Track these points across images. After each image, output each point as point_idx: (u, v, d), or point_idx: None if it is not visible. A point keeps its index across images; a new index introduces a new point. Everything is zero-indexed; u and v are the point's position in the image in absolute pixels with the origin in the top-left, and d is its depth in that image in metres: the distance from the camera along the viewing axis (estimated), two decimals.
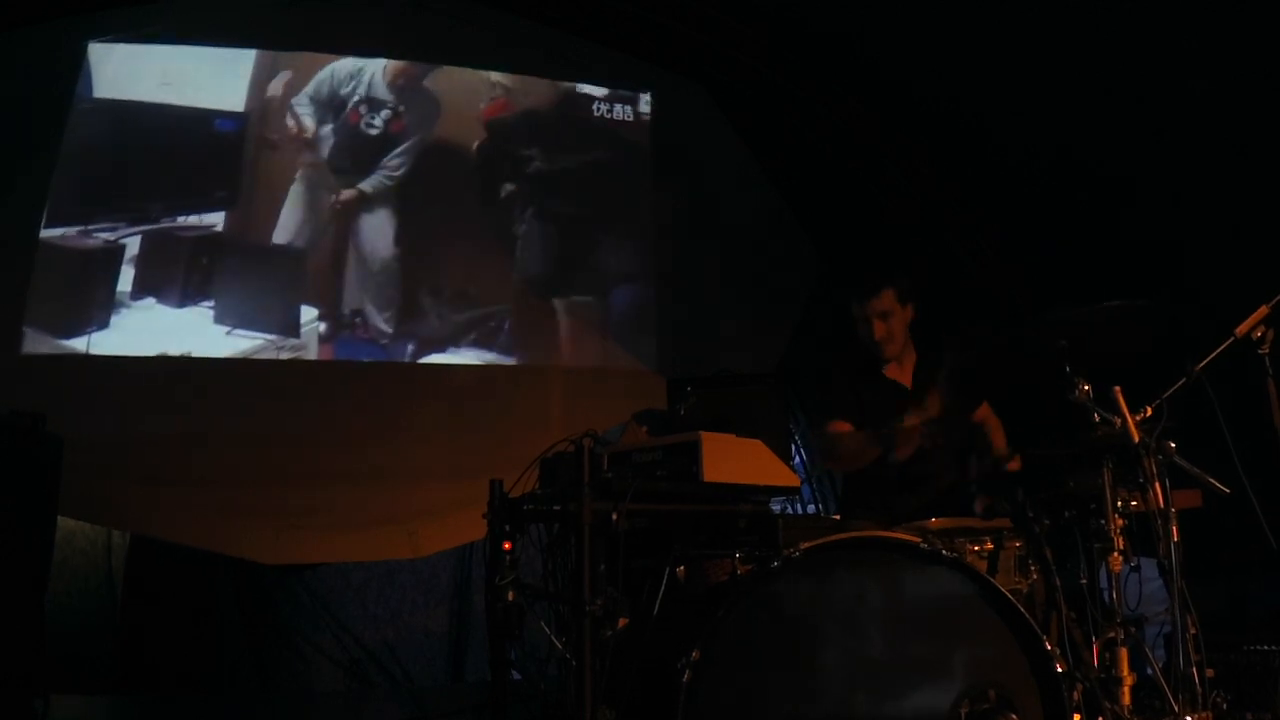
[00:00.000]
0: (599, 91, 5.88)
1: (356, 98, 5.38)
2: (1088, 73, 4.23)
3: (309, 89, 5.33)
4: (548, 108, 5.80)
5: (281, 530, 4.71)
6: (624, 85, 5.93)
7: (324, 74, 5.36)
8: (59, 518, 3.90)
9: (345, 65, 5.40)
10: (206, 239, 5.06)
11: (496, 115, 5.69)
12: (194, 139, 5.10)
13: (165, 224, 5.00)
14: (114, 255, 4.90)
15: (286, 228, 5.20)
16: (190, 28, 5.15)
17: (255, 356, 5.02)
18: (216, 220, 5.09)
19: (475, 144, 5.64)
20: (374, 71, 5.44)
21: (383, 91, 5.43)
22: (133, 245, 4.94)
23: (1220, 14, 3.64)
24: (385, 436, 4.96)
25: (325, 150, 5.32)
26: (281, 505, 4.74)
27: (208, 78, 5.17)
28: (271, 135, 5.26)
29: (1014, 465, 3.12)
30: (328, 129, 5.33)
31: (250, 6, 5.34)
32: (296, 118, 5.29)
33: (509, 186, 5.64)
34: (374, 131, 5.36)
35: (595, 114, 5.87)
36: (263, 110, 5.26)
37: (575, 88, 5.86)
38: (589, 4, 5.59)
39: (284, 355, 5.07)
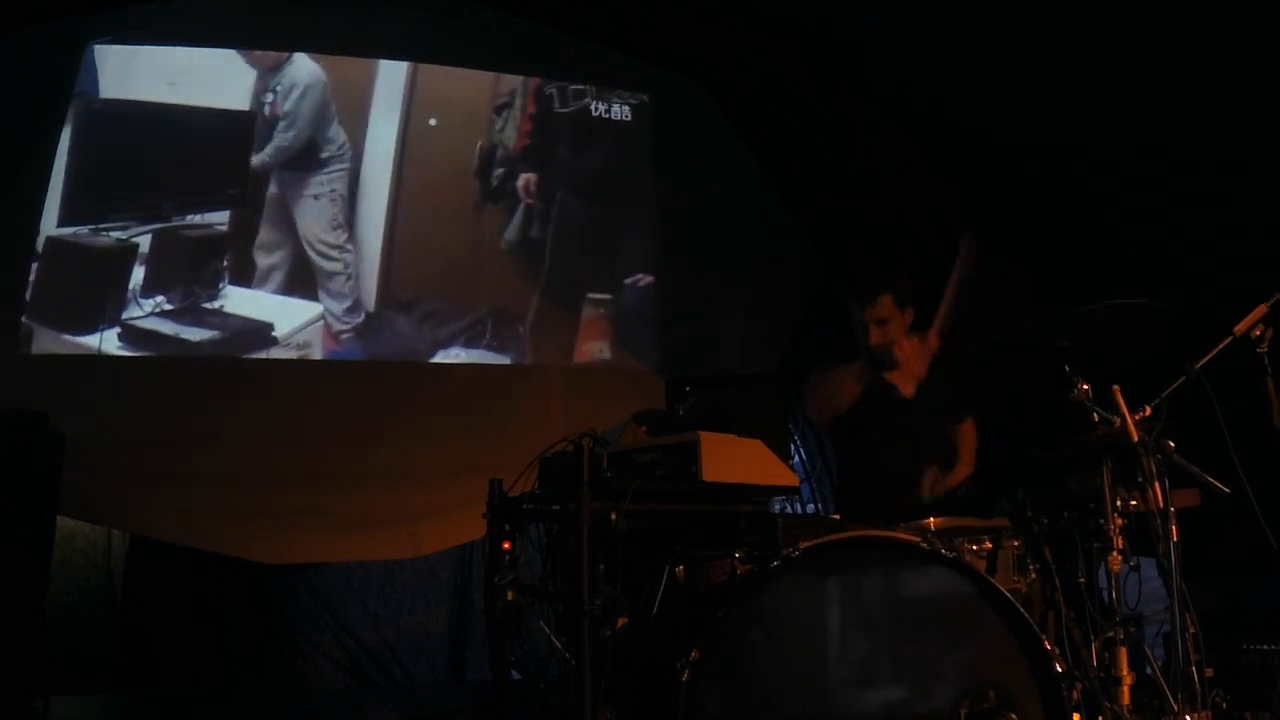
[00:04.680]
0: (599, 91, 5.88)
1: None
2: (1087, 74, 4.23)
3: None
4: (547, 107, 5.80)
5: (282, 530, 4.72)
6: (624, 85, 5.93)
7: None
8: (59, 518, 3.90)
9: None
10: (214, 238, 5.06)
11: (496, 115, 5.69)
12: (201, 138, 5.09)
13: (175, 222, 5.00)
14: (127, 254, 4.91)
15: (288, 227, 5.21)
16: (192, 28, 5.14)
17: (256, 356, 5.02)
18: (223, 219, 5.09)
19: (475, 144, 5.63)
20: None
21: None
22: (144, 243, 4.93)
23: (1217, 15, 3.64)
24: (385, 436, 4.96)
25: (318, 144, 5.31)
26: (282, 505, 4.73)
27: (213, 77, 5.16)
28: (272, 133, 5.25)
29: (956, 479, 3.17)
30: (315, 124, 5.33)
31: (252, 6, 5.33)
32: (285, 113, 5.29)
33: (508, 186, 5.64)
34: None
35: (595, 114, 5.87)
36: (263, 107, 5.25)
37: (575, 88, 5.86)
38: (589, 4, 5.59)
39: (285, 355, 5.07)
